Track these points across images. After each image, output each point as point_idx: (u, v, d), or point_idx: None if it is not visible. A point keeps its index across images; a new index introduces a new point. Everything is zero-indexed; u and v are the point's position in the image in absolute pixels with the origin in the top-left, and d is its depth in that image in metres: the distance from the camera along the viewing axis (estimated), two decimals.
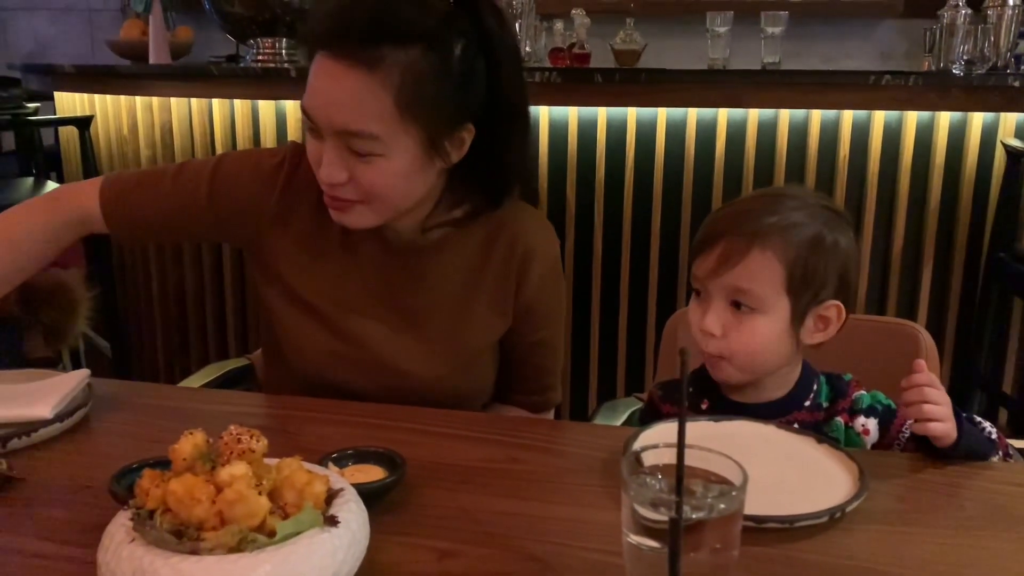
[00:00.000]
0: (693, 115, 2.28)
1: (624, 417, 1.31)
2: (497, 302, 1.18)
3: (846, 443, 1.00)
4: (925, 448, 0.96)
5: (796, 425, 1.01)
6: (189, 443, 0.69)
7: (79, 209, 1.18)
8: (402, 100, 0.98)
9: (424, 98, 0.99)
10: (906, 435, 1.01)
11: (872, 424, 1.02)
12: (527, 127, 1.13)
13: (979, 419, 1.00)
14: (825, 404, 1.05)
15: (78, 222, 1.19)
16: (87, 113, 2.82)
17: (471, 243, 1.16)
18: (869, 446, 1.02)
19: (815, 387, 1.05)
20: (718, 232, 1.00)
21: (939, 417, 0.92)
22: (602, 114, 2.30)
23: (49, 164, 3.43)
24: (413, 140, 1.01)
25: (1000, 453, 0.97)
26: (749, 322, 0.99)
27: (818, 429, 1.01)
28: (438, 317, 1.17)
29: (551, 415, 1.33)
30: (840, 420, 1.03)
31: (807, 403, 1.04)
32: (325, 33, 1.00)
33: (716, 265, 0.98)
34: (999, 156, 2.23)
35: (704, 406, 1.07)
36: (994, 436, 0.98)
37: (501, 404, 1.29)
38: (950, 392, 0.95)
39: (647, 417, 1.14)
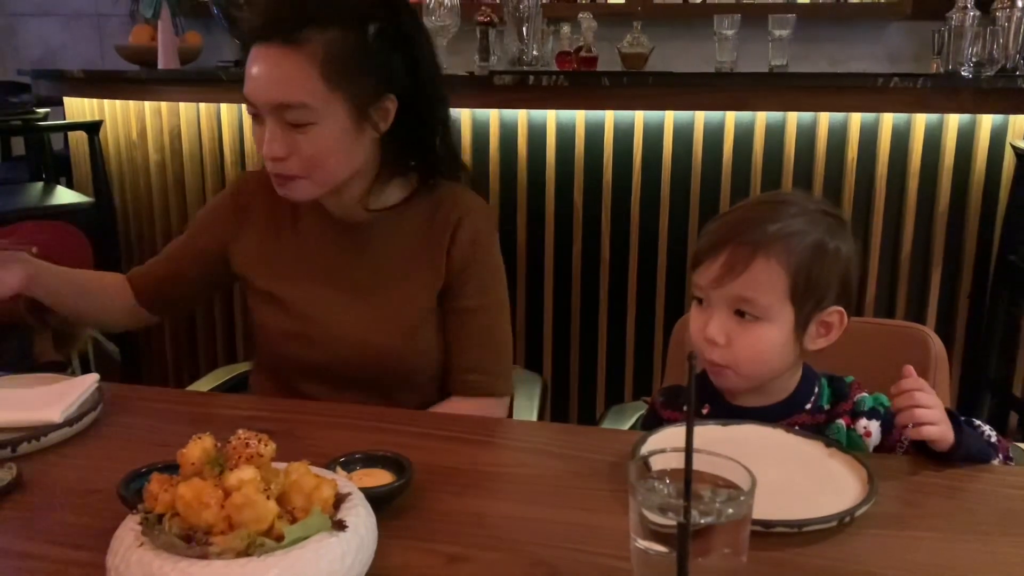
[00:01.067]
0: (700, 118, 2.28)
1: (632, 421, 1.31)
2: (432, 263, 1.25)
3: (848, 445, 1.00)
4: (926, 452, 0.95)
5: (797, 428, 1.01)
6: (198, 447, 0.70)
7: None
8: (326, 71, 1.11)
9: (346, 69, 1.12)
10: (908, 438, 1.01)
11: (874, 426, 1.02)
12: (447, 109, 1.26)
13: (978, 423, 1.00)
14: (826, 407, 1.05)
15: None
16: (96, 118, 2.84)
17: (411, 216, 1.26)
18: (871, 448, 1.02)
19: (816, 390, 1.06)
20: (720, 241, 1.00)
21: (931, 420, 0.92)
22: (609, 117, 2.30)
23: (59, 169, 3.45)
24: (341, 108, 1.14)
25: (1001, 456, 0.97)
26: (753, 330, 0.99)
27: (819, 432, 1.01)
28: (382, 286, 1.24)
29: (502, 410, 1.29)
30: (842, 422, 1.03)
31: (808, 406, 1.04)
32: (258, 27, 1.14)
33: (720, 274, 0.98)
34: (1008, 158, 2.22)
35: (705, 411, 1.07)
36: (994, 439, 0.98)
37: (448, 400, 1.27)
38: (959, 396, 0.95)
39: (649, 423, 1.14)
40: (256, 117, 1.16)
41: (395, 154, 1.22)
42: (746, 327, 0.99)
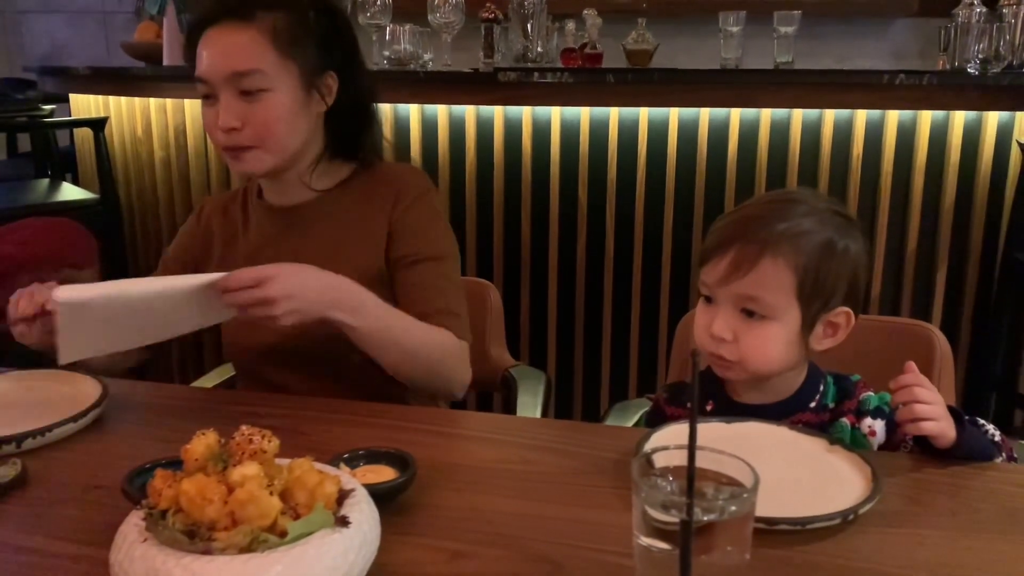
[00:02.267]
0: (705, 115, 2.27)
1: (636, 418, 1.31)
2: (375, 232, 1.29)
3: (852, 444, 0.99)
4: (928, 449, 0.95)
5: (800, 426, 1.01)
6: (201, 443, 0.70)
7: None
8: (278, 43, 1.21)
9: (294, 41, 1.23)
10: (910, 436, 1.01)
11: (879, 426, 1.02)
12: (375, 100, 1.36)
13: (981, 421, 0.99)
14: (831, 405, 1.04)
15: None
16: (102, 115, 2.84)
17: (351, 193, 1.32)
18: (876, 447, 1.02)
19: (821, 388, 1.05)
20: (728, 239, 0.99)
21: (931, 416, 0.91)
22: (614, 114, 2.30)
23: (64, 166, 3.46)
24: (292, 77, 1.23)
25: (1004, 456, 0.97)
26: (759, 329, 0.99)
27: (823, 430, 1.01)
28: (327, 262, 1.17)
29: (463, 350, 1.26)
30: (846, 421, 1.02)
31: (812, 404, 1.04)
32: (208, 12, 1.23)
33: (727, 273, 0.98)
34: (1015, 156, 2.21)
35: (709, 407, 1.07)
36: (998, 438, 0.98)
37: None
38: (964, 394, 0.94)
39: (653, 419, 1.15)
40: (207, 99, 1.24)
41: (335, 133, 1.31)
42: (752, 325, 0.99)
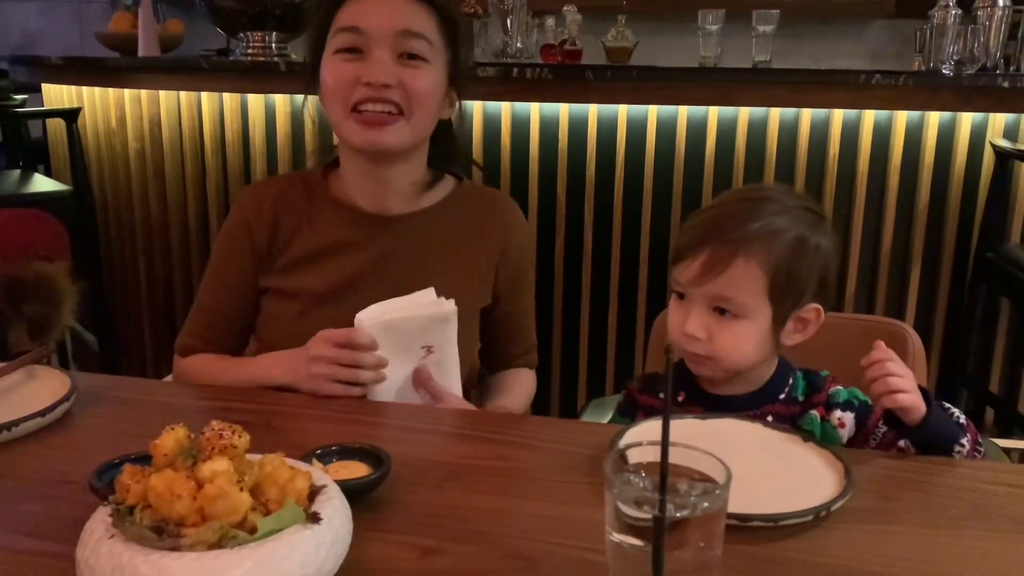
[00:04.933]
0: (684, 113, 2.28)
1: (613, 414, 1.31)
2: (481, 270, 1.28)
3: (821, 436, 1.01)
4: (898, 429, 0.97)
5: (770, 417, 1.03)
6: (171, 438, 0.69)
7: (202, 358, 1.29)
8: (442, 27, 1.19)
9: (453, 35, 1.21)
10: (882, 430, 1.02)
11: (848, 418, 1.03)
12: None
13: (947, 405, 1.01)
14: (801, 398, 1.06)
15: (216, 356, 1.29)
16: (75, 105, 2.80)
17: (453, 213, 1.28)
18: (845, 440, 1.03)
19: (791, 381, 1.07)
20: (700, 239, 1.00)
21: (904, 388, 0.93)
22: (593, 111, 2.30)
23: (36, 156, 3.41)
24: (443, 65, 1.20)
25: (969, 438, 0.97)
26: (731, 327, 1.00)
27: (792, 422, 1.03)
28: (425, 280, 1.19)
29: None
30: (815, 413, 1.04)
31: (782, 396, 1.06)
32: None
33: (699, 273, 0.99)
34: (988, 156, 2.24)
35: (681, 398, 1.08)
36: (963, 421, 0.99)
37: (506, 370, 1.37)
38: (937, 391, 0.95)
39: (626, 409, 1.15)
40: (348, 52, 1.16)
41: (442, 146, 1.28)
42: (725, 324, 1.00)
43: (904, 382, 0.94)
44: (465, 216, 1.29)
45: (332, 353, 1.10)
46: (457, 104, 1.28)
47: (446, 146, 1.30)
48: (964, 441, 0.97)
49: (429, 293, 1.16)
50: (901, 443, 1.00)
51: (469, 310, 1.24)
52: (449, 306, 1.14)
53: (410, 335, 1.14)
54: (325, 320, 1.16)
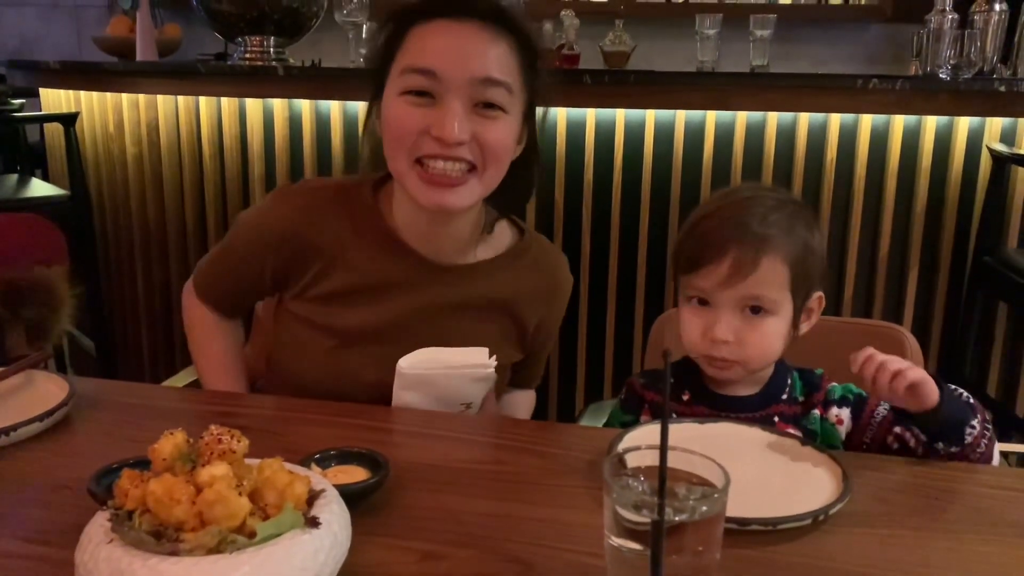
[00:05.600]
0: (681, 117, 2.28)
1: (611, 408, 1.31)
2: (520, 333, 1.25)
3: (822, 434, 1.02)
4: (906, 419, 0.97)
5: (777, 418, 1.03)
6: (169, 443, 0.69)
7: (203, 315, 1.29)
8: (521, 65, 1.07)
9: (532, 71, 1.09)
10: (880, 415, 1.02)
11: (845, 414, 1.04)
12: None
13: (953, 386, 0.99)
14: (801, 398, 1.07)
15: (216, 324, 1.29)
16: (73, 110, 2.80)
17: (507, 270, 1.21)
18: (844, 435, 1.04)
19: (789, 381, 1.08)
20: (721, 242, 1.00)
21: (907, 367, 0.92)
22: (591, 115, 2.30)
23: (34, 161, 3.41)
24: (520, 108, 1.09)
25: (979, 418, 0.96)
26: (761, 325, 1.01)
27: (797, 421, 1.03)
28: (468, 337, 1.16)
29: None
30: (816, 412, 1.05)
31: (784, 396, 1.06)
32: (444, 3, 1.05)
33: (728, 275, 0.99)
34: (985, 160, 2.25)
35: (686, 397, 1.08)
36: (972, 401, 0.98)
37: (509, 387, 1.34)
38: None
39: (628, 405, 1.13)
40: (420, 96, 1.04)
41: (504, 191, 1.14)
42: (754, 323, 1.01)
43: (902, 362, 0.93)
44: (519, 280, 1.21)
45: None
46: (525, 133, 1.14)
47: (515, 188, 1.17)
48: (975, 422, 0.95)
49: (482, 353, 1.12)
50: (908, 438, 0.99)
51: (501, 366, 1.19)
52: (492, 364, 1.12)
53: (451, 391, 1.13)
54: (362, 357, 1.15)
